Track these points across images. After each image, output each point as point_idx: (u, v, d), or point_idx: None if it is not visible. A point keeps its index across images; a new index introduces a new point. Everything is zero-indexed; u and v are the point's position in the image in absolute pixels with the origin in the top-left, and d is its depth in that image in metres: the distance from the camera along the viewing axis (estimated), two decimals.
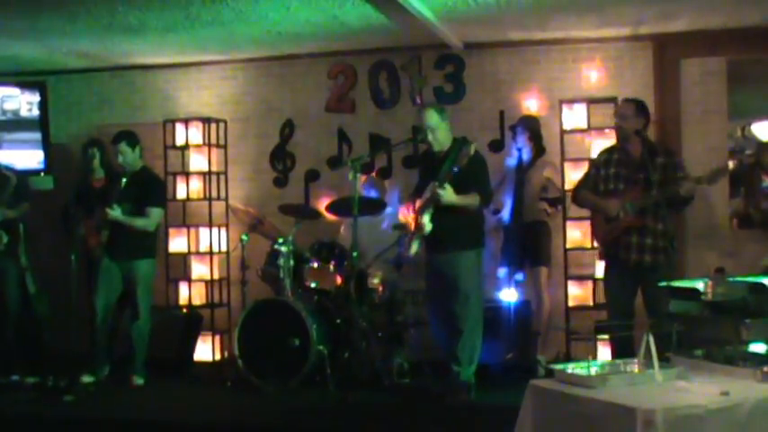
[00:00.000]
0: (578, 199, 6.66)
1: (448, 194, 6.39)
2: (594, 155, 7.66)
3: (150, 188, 7.51)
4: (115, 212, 7.21)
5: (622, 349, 5.87)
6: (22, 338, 8.07)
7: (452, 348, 6.61)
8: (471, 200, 6.53)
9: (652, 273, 5.95)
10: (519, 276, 7.60)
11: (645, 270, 6.11)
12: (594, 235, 6.64)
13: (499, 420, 5.08)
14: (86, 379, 7.28)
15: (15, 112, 9.19)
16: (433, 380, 6.94)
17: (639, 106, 6.42)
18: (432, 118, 6.68)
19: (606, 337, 7.26)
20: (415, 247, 6.59)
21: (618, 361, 4.44)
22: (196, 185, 8.94)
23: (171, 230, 8.91)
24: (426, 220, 6.47)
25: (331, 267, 7.41)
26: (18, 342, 7.99)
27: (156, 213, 7.51)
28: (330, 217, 8.12)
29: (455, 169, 6.36)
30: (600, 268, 7.57)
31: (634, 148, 6.24)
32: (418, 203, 6.63)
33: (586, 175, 6.61)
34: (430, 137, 6.66)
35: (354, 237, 6.86)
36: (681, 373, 4.09)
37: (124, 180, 7.30)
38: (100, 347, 7.50)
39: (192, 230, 8.92)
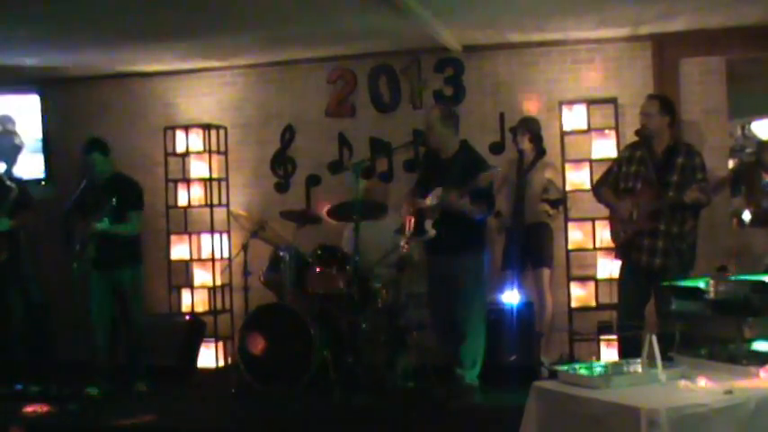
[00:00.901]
0: (597, 195, 6.66)
1: (463, 205, 6.41)
2: (595, 156, 7.69)
3: (128, 193, 7.46)
4: (102, 225, 7.18)
5: (629, 350, 5.87)
6: (26, 348, 8.07)
7: (456, 351, 6.61)
8: (479, 209, 6.54)
9: (663, 275, 5.88)
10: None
11: (656, 272, 6.07)
12: (611, 234, 6.62)
13: (503, 422, 5.08)
14: (91, 391, 7.28)
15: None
16: (437, 383, 6.92)
17: (664, 103, 6.39)
18: (429, 118, 6.70)
19: (609, 337, 7.27)
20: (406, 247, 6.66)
21: (621, 361, 4.44)
22: (197, 192, 8.94)
23: (172, 237, 8.93)
24: (430, 225, 6.48)
25: (333, 272, 7.40)
26: (22, 351, 7.99)
27: (137, 216, 7.49)
28: (332, 221, 8.11)
29: (471, 185, 6.38)
30: (602, 269, 7.63)
31: (658, 147, 6.23)
32: (417, 205, 6.62)
33: (608, 171, 6.57)
34: (437, 137, 6.65)
35: (356, 241, 6.86)
36: (684, 372, 4.09)
37: (115, 198, 7.23)
38: (102, 360, 7.50)
39: (194, 237, 8.93)
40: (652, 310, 6.27)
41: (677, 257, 6.13)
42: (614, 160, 6.65)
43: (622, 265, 6.51)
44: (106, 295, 7.45)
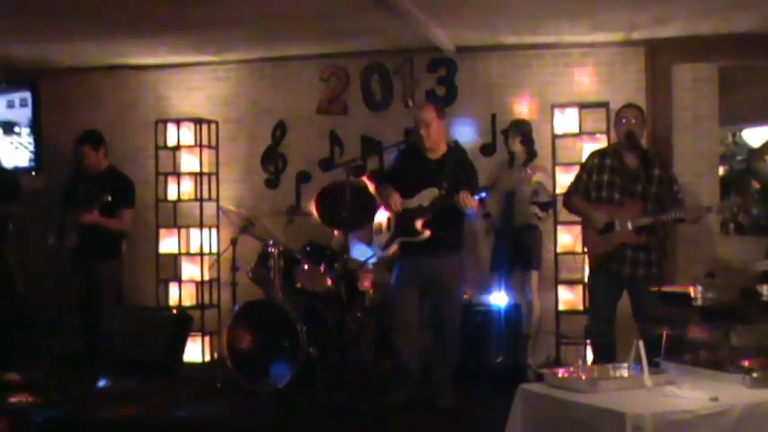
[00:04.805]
0: (569, 204, 6.52)
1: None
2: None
3: (121, 189, 7.43)
4: (93, 216, 7.15)
5: (606, 355, 5.88)
6: (11, 338, 8.04)
7: (436, 352, 6.61)
8: (481, 208, 6.79)
9: (643, 284, 5.91)
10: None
11: (638, 282, 6.06)
12: (584, 242, 6.51)
13: (488, 424, 5.09)
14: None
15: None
16: (422, 382, 6.88)
17: (642, 113, 6.37)
18: (429, 113, 6.64)
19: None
20: (395, 248, 6.61)
21: (608, 366, 4.45)
22: (187, 186, 8.93)
23: (161, 231, 8.92)
24: (419, 225, 6.44)
25: (322, 269, 7.40)
26: (5, 342, 7.96)
27: (129, 214, 7.46)
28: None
29: (483, 195, 6.43)
30: None
31: (630, 157, 6.18)
32: (400, 203, 6.59)
33: (578, 179, 6.42)
34: (423, 131, 6.59)
35: (346, 239, 6.86)
36: (670, 378, 4.10)
37: (110, 195, 7.21)
38: (84, 352, 7.47)
39: (183, 231, 8.92)
40: (623, 313, 6.25)
41: (658, 266, 6.14)
42: (582, 168, 6.46)
43: (596, 271, 6.38)
44: (83, 287, 7.40)
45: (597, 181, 6.22)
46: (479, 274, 7.83)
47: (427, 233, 6.41)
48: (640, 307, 6.02)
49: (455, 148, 6.68)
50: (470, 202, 6.25)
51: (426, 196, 6.45)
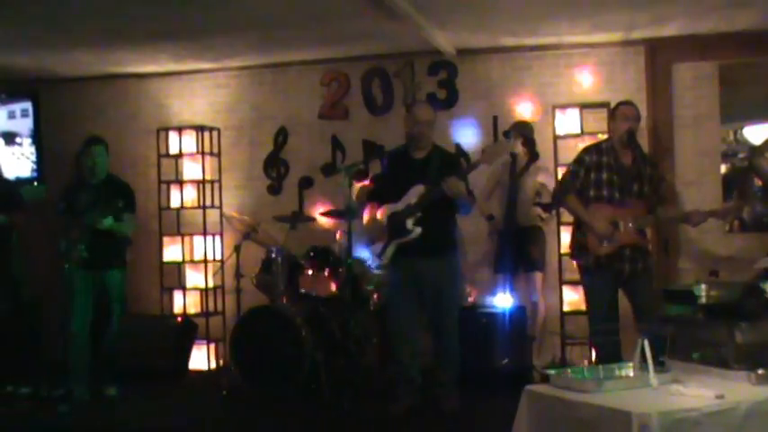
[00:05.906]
0: (564, 202, 6.43)
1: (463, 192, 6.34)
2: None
3: (123, 195, 7.42)
4: (107, 222, 7.13)
5: (611, 354, 5.85)
6: (16, 348, 8.04)
7: (437, 354, 6.60)
8: (472, 199, 6.58)
9: (638, 278, 6.00)
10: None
11: (637, 277, 6.07)
12: (581, 243, 6.23)
13: (494, 426, 5.07)
14: (110, 391, 7.25)
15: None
16: (424, 387, 6.86)
17: (638, 110, 6.38)
18: (430, 114, 6.65)
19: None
20: (390, 253, 6.56)
21: (613, 365, 4.44)
22: (190, 194, 8.94)
23: (165, 239, 8.93)
24: (411, 224, 6.42)
25: (326, 274, 7.40)
26: (11, 352, 7.96)
27: (132, 219, 7.45)
28: (324, 224, 8.11)
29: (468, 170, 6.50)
30: None
31: (625, 154, 6.14)
32: (390, 208, 6.57)
33: (574, 175, 6.22)
34: (425, 130, 6.57)
35: (349, 243, 6.85)
36: (676, 376, 4.09)
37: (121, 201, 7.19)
38: (82, 361, 7.44)
39: (187, 239, 8.94)
40: (625, 312, 6.23)
41: (650, 259, 6.19)
42: (578, 164, 6.27)
43: (593, 270, 6.21)
44: (89, 296, 7.38)
45: (595, 179, 6.13)
46: (483, 276, 7.83)
47: (418, 230, 6.39)
48: (642, 302, 6.00)
49: (439, 146, 6.72)
50: (458, 186, 6.24)
51: (414, 194, 6.44)
